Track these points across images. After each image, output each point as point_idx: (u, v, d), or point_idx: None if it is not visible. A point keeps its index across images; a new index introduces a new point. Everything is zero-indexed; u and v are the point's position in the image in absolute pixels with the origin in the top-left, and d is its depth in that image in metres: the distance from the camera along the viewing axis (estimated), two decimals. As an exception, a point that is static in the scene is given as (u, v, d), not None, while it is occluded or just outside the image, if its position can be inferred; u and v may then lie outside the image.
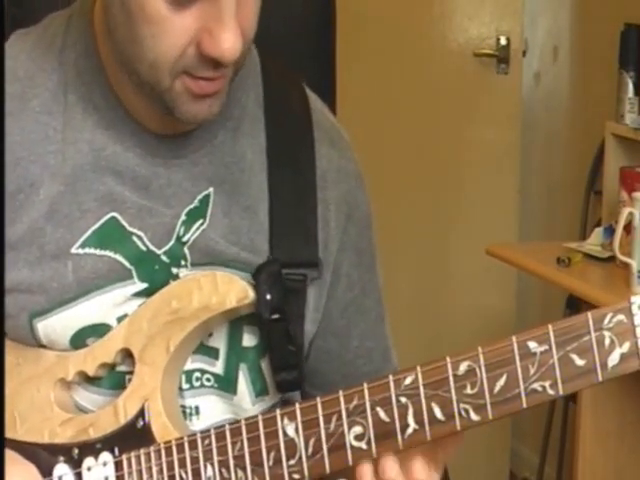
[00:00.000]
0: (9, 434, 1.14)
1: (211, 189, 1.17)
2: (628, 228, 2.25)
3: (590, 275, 2.43)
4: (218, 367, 1.19)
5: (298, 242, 1.18)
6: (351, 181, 1.24)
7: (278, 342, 1.15)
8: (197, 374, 1.18)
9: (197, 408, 1.18)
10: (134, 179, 1.15)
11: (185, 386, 1.18)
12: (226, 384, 1.19)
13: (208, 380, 1.19)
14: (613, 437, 2.36)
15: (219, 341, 1.18)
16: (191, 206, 1.16)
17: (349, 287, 1.24)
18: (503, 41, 3.27)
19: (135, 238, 1.15)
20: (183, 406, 1.18)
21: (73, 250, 1.14)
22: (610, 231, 2.42)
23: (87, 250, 1.14)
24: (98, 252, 1.14)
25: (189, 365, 1.17)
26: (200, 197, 1.17)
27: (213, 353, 1.18)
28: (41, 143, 1.15)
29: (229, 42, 1.02)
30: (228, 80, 1.09)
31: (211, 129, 1.17)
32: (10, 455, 1.13)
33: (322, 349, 1.24)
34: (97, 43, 1.16)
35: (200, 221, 1.17)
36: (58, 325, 1.15)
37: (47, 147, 1.15)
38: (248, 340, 1.18)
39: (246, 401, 1.20)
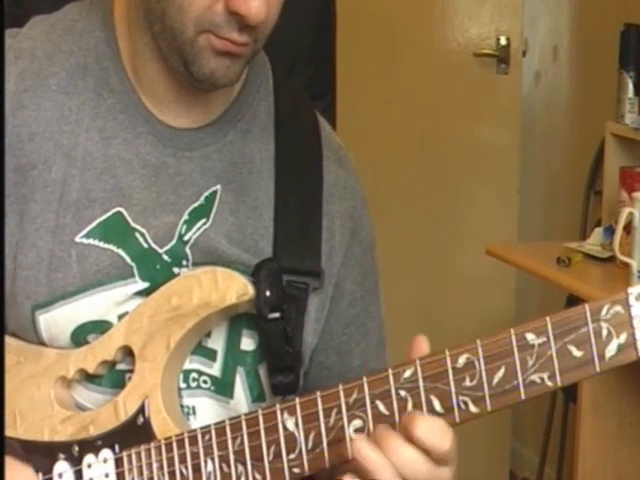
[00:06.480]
0: (9, 432, 1.14)
1: (219, 186, 1.18)
2: (628, 228, 2.25)
3: (590, 275, 2.43)
4: (215, 369, 1.18)
5: (301, 250, 1.18)
6: (357, 200, 1.25)
7: (276, 342, 1.15)
8: (194, 375, 1.18)
9: (194, 408, 1.18)
10: (144, 167, 1.16)
11: (182, 385, 1.17)
12: (223, 387, 1.19)
13: (205, 382, 1.18)
14: (613, 437, 2.36)
15: (217, 342, 1.18)
16: (196, 204, 1.17)
17: (351, 304, 1.24)
18: (503, 41, 3.27)
19: (138, 235, 1.16)
20: (181, 405, 1.17)
21: (77, 239, 1.15)
22: (610, 231, 2.43)
23: (91, 241, 1.15)
24: (102, 245, 1.15)
25: (187, 365, 1.17)
26: (207, 194, 1.17)
27: (211, 354, 1.18)
28: (56, 122, 1.16)
29: (256, 2, 1.06)
30: (249, 52, 1.11)
31: (222, 127, 1.19)
32: (7, 460, 1.12)
33: (323, 365, 1.24)
34: (116, 33, 1.18)
35: (203, 220, 1.17)
36: (60, 319, 1.15)
37: (62, 126, 1.16)
38: (246, 344, 1.18)
39: (242, 406, 1.19)
